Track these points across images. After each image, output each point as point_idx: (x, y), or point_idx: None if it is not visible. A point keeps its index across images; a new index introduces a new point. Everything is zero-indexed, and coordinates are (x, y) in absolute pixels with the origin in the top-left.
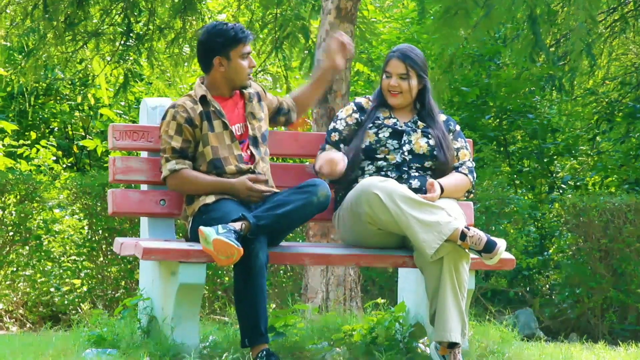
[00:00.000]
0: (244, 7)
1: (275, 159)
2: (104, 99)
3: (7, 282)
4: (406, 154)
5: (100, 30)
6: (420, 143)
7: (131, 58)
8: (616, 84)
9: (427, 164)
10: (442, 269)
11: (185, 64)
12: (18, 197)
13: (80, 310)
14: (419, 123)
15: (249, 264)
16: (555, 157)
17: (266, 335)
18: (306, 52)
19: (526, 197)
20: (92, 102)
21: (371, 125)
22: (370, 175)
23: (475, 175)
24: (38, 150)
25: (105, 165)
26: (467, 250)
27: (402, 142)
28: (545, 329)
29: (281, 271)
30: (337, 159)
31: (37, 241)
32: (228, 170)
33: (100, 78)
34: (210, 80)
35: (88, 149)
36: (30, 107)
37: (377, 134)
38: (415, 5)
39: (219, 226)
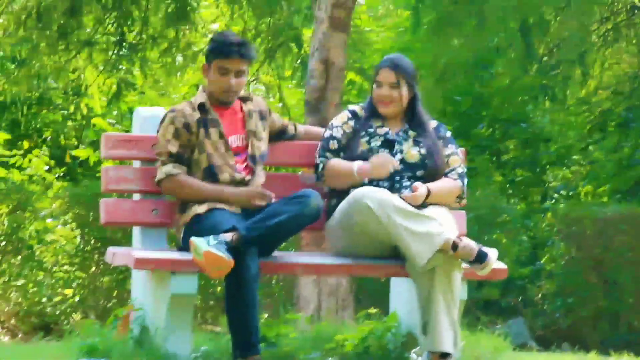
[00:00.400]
0: (237, 17)
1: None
2: (97, 108)
3: None
4: (398, 163)
5: (93, 40)
6: (411, 152)
7: (124, 67)
8: (609, 93)
9: (419, 173)
10: (434, 279)
11: (178, 73)
12: (10, 206)
13: (72, 320)
14: (410, 132)
15: (240, 276)
16: (547, 166)
17: (258, 346)
18: (299, 61)
19: (519, 207)
20: (85, 111)
21: (364, 133)
22: (362, 184)
23: (466, 180)
24: (30, 159)
25: (97, 175)
26: (458, 260)
27: (394, 151)
28: (538, 339)
29: (273, 281)
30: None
31: (29, 251)
32: (222, 178)
33: (93, 87)
34: (208, 87)
35: (81, 159)
36: (23, 116)
37: (369, 142)
38: (408, 14)
39: (210, 237)
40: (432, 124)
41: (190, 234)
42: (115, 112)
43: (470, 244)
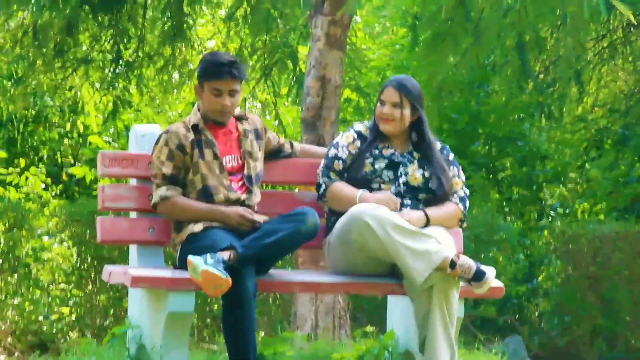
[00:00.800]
0: (233, 34)
1: (264, 186)
2: (93, 126)
3: None
4: (401, 185)
5: (89, 58)
6: (415, 175)
7: (120, 85)
8: (605, 111)
9: (421, 196)
10: (432, 297)
11: (175, 91)
12: (7, 224)
13: (68, 339)
14: (415, 154)
15: (237, 294)
16: (544, 184)
17: None
18: (295, 79)
19: (515, 225)
20: (82, 129)
21: (368, 154)
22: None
23: (467, 203)
24: (27, 177)
25: (94, 192)
26: (456, 278)
27: (398, 173)
28: (535, 357)
29: (270, 299)
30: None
31: (26, 269)
32: (217, 199)
33: (90, 105)
34: (202, 107)
35: (77, 177)
36: (19, 134)
37: (373, 164)
38: (404, 32)
39: (207, 256)
40: (437, 145)
41: (186, 252)
42: (111, 130)
43: (469, 262)
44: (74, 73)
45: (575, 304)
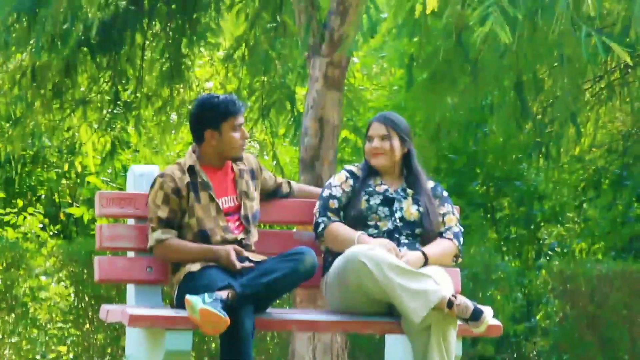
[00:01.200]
0: (231, 75)
1: (262, 226)
2: (91, 166)
3: None
4: (397, 221)
5: (87, 98)
6: (411, 210)
7: (118, 126)
8: (603, 151)
9: (417, 230)
10: (430, 336)
11: (173, 131)
12: (4, 264)
13: None
14: (408, 190)
15: (235, 333)
16: (542, 223)
17: None
18: (293, 119)
19: (513, 264)
20: (79, 169)
21: (363, 192)
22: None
23: (462, 239)
24: (25, 217)
25: (92, 232)
26: (454, 317)
27: (394, 209)
28: None
29: (268, 337)
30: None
31: (23, 308)
32: (214, 241)
33: (88, 146)
34: (201, 150)
35: (75, 217)
36: (17, 174)
37: (368, 201)
38: (402, 73)
39: (205, 295)
40: (430, 183)
41: (184, 291)
42: (109, 170)
43: (466, 302)
44: (72, 114)
45: (573, 343)
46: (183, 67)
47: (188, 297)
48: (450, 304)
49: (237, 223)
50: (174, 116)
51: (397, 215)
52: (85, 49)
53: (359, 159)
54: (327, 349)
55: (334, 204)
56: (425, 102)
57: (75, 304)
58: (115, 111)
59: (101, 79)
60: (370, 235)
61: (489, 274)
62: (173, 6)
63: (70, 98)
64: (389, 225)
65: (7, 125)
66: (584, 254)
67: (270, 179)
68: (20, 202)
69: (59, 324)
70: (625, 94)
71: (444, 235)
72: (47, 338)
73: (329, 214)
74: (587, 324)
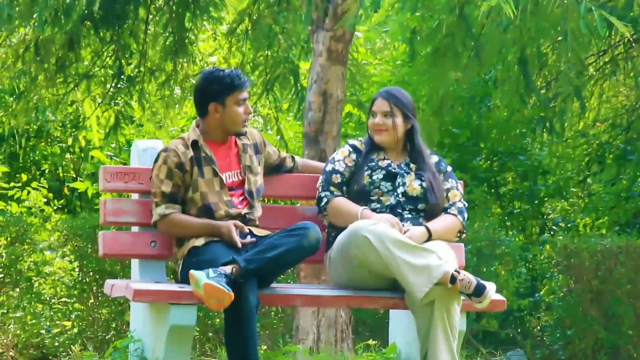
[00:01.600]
0: (235, 49)
1: (266, 201)
2: (95, 141)
3: None
4: (400, 196)
5: (91, 73)
6: (413, 185)
7: (122, 100)
8: (607, 126)
9: (420, 206)
10: (434, 311)
11: (176, 106)
12: (9, 239)
13: (70, 352)
14: (412, 165)
15: (239, 308)
16: (546, 198)
17: None
18: (297, 94)
19: (517, 239)
20: (83, 144)
21: (366, 167)
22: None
23: (466, 215)
24: (29, 192)
25: (96, 207)
26: (457, 292)
27: (396, 184)
28: None
29: (272, 312)
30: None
31: (28, 283)
32: (218, 215)
33: (91, 120)
34: (205, 125)
35: (79, 191)
36: (21, 149)
37: (370, 175)
38: (405, 47)
39: (210, 270)
40: (434, 158)
41: (188, 266)
42: (113, 145)
43: (469, 277)
44: (76, 88)
45: (577, 318)
46: (187, 41)
47: (192, 272)
48: (453, 279)
49: (241, 198)
50: (177, 90)
51: (400, 190)
52: (88, 23)
53: (362, 134)
54: (332, 323)
55: (337, 178)
56: (429, 77)
57: (80, 279)
58: (118, 85)
59: (104, 53)
60: (373, 210)
61: (493, 249)
62: None
63: (74, 72)
64: (392, 200)
65: (11, 99)
66: (588, 228)
67: (274, 154)
68: (24, 177)
69: (64, 299)
70: (630, 68)
71: (448, 210)
72: (51, 313)
73: (332, 188)
74: (591, 299)
